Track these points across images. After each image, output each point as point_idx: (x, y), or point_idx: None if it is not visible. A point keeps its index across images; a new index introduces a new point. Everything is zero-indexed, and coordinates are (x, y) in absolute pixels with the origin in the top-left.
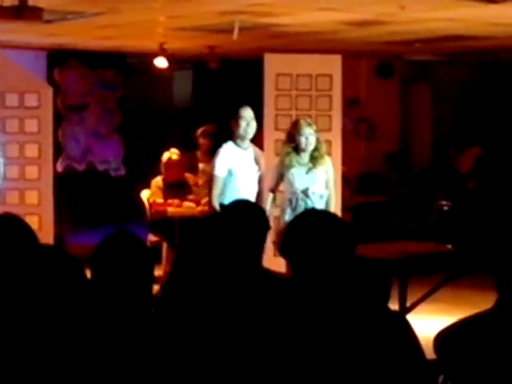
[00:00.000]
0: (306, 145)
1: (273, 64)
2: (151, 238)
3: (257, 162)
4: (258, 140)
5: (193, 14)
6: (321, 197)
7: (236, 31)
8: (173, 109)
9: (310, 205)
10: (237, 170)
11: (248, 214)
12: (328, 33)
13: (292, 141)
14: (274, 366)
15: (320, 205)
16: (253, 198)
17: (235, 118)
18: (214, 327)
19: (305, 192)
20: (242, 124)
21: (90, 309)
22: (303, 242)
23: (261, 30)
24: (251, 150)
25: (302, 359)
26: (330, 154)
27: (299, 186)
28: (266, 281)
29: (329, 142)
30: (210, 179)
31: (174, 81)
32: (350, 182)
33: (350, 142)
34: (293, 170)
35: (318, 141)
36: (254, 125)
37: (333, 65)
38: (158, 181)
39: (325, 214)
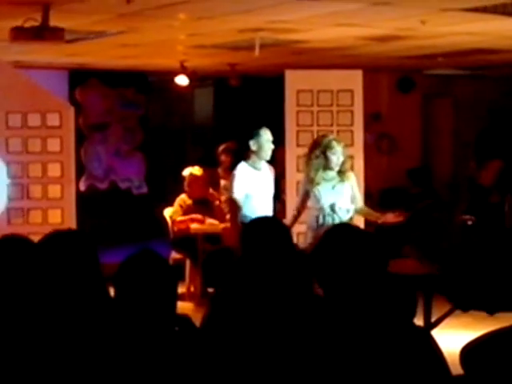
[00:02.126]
0: (337, 164)
1: (294, 80)
2: (174, 255)
3: (270, 181)
4: (279, 156)
5: (213, 32)
6: (347, 211)
7: (257, 48)
8: (194, 126)
9: (337, 220)
10: (253, 192)
11: (271, 232)
12: (348, 48)
13: (322, 158)
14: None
15: (347, 220)
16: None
17: (254, 139)
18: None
19: (332, 207)
20: (264, 146)
21: (114, 328)
22: (333, 258)
23: (281, 47)
24: (265, 169)
25: (330, 374)
26: (352, 169)
27: (326, 201)
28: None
29: (351, 157)
30: (230, 203)
31: (195, 98)
32: (373, 197)
33: (372, 156)
34: (319, 187)
35: (345, 158)
36: (271, 146)
37: (354, 80)
38: (182, 198)
39: (352, 230)
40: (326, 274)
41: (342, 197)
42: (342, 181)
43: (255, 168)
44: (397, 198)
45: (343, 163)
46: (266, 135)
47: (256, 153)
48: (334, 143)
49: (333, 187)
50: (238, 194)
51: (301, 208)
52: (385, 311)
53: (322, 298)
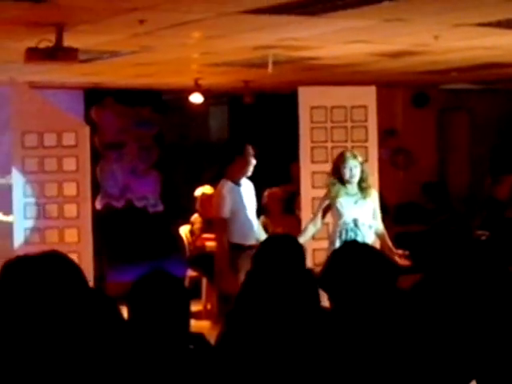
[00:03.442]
0: (350, 176)
1: (307, 97)
2: (190, 273)
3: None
4: (294, 172)
5: (227, 50)
6: (370, 227)
7: (270, 65)
8: (209, 144)
9: (359, 235)
10: (239, 209)
11: (286, 248)
12: (362, 64)
13: (337, 172)
14: None
15: (369, 235)
16: (255, 230)
17: (243, 156)
18: (263, 366)
19: (355, 223)
20: (251, 162)
21: (128, 347)
22: (343, 275)
23: (294, 64)
24: (246, 183)
25: None
26: None
27: (348, 216)
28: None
29: None
30: (219, 223)
31: (210, 116)
32: (389, 212)
33: (388, 172)
34: (341, 201)
35: (364, 172)
36: (254, 162)
37: (367, 96)
38: (196, 218)
39: (364, 247)
40: (335, 290)
41: (365, 212)
42: (364, 196)
43: (238, 184)
44: (413, 213)
45: (364, 179)
46: (250, 152)
47: (240, 170)
48: (346, 156)
49: (355, 202)
50: (227, 213)
51: (317, 222)
52: (391, 326)
53: (329, 312)
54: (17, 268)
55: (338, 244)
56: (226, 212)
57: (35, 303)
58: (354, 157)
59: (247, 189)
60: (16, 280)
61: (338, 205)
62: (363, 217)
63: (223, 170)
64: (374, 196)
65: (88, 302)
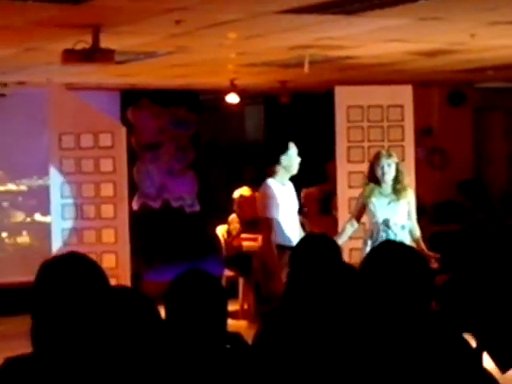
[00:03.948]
0: (383, 175)
1: (344, 96)
2: (227, 273)
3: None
4: (330, 172)
5: (263, 50)
6: (403, 227)
7: (306, 65)
8: (245, 144)
9: (391, 236)
10: (282, 208)
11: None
12: (398, 63)
13: (372, 172)
14: None
15: (402, 235)
16: (297, 231)
17: (286, 154)
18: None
19: (386, 223)
20: (294, 161)
21: (166, 347)
22: (380, 274)
23: (331, 63)
24: (289, 184)
25: None
26: None
27: (380, 216)
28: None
29: None
30: (266, 223)
31: (246, 116)
32: (426, 211)
33: (424, 171)
34: (374, 201)
35: (399, 172)
36: (298, 161)
37: (404, 95)
38: (234, 218)
39: (401, 247)
40: (371, 291)
41: (398, 213)
42: (398, 197)
43: (282, 184)
44: (450, 212)
45: (400, 179)
46: (295, 150)
47: (286, 168)
48: (381, 155)
49: (388, 203)
50: (274, 213)
51: (354, 222)
52: (433, 328)
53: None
54: (54, 268)
55: (369, 244)
56: (272, 212)
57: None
58: (389, 156)
59: (289, 189)
60: (52, 280)
61: (371, 205)
62: (396, 217)
63: (262, 170)
64: (410, 197)
65: (126, 302)
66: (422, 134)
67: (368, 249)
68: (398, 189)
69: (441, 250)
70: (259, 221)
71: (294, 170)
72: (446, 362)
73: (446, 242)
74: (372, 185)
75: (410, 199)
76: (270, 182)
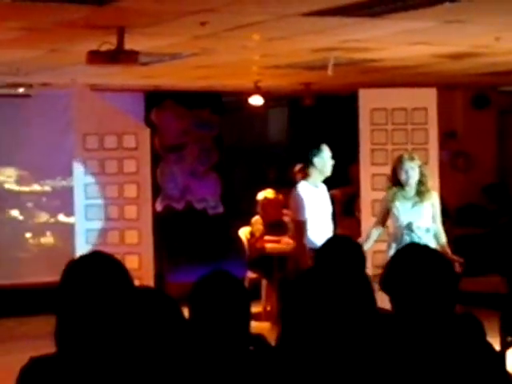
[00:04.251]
0: (407, 179)
1: (368, 99)
2: (250, 275)
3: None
4: (353, 174)
5: (287, 52)
6: (427, 231)
7: (330, 67)
8: (268, 146)
9: (415, 239)
10: (314, 210)
11: (346, 251)
12: (422, 66)
13: (395, 175)
14: None
15: (426, 239)
16: (330, 233)
17: (318, 156)
18: (322, 367)
19: (409, 226)
20: (327, 163)
21: (189, 348)
22: (404, 277)
23: (355, 66)
24: (322, 186)
25: None
26: None
27: (404, 220)
28: (374, 317)
29: None
30: (298, 225)
31: (270, 118)
32: (450, 215)
33: (448, 174)
34: (397, 205)
35: (423, 175)
36: (331, 163)
37: (428, 98)
38: (257, 219)
39: (426, 249)
40: (397, 293)
41: (421, 216)
42: (422, 200)
43: (316, 186)
44: (474, 215)
45: (423, 182)
46: (328, 152)
47: (320, 170)
48: (404, 158)
49: (412, 206)
50: (306, 215)
51: (380, 226)
52: (457, 331)
53: (389, 315)
54: (79, 268)
55: (393, 247)
56: (304, 214)
57: (95, 304)
58: (412, 159)
59: (322, 191)
60: (77, 279)
61: (394, 209)
62: (420, 220)
63: (285, 172)
64: (434, 199)
65: (150, 302)
66: (446, 137)
67: (392, 252)
68: (421, 191)
69: (464, 254)
70: (293, 223)
71: (327, 172)
72: (469, 365)
73: (470, 245)
74: (395, 188)
75: (434, 202)
76: (303, 184)
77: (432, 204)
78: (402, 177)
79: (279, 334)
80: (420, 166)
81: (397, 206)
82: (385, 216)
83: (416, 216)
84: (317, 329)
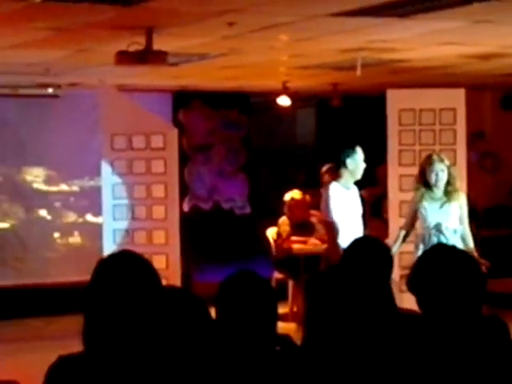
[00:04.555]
0: (436, 181)
1: (395, 99)
2: (277, 275)
3: (359, 200)
4: (381, 175)
5: (315, 52)
6: (454, 232)
7: (359, 68)
8: (296, 147)
9: (443, 240)
10: (345, 212)
11: (374, 252)
12: (451, 67)
13: (423, 176)
14: None
15: (454, 240)
16: (361, 235)
17: (351, 157)
18: (347, 367)
19: (437, 227)
20: (359, 165)
21: (216, 348)
22: (432, 278)
23: (383, 66)
24: (354, 188)
25: None
26: None
27: (432, 221)
28: (397, 319)
29: None
30: (329, 226)
31: (298, 119)
32: (478, 216)
33: (476, 175)
34: (426, 206)
35: (451, 175)
36: (363, 166)
37: (456, 98)
38: (284, 220)
39: (453, 250)
40: (424, 294)
41: (449, 217)
42: (450, 200)
43: (347, 188)
44: (502, 216)
45: (451, 183)
46: (361, 154)
47: (351, 172)
48: (433, 159)
49: (440, 207)
50: (336, 216)
51: (409, 228)
52: (481, 332)
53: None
54: (108, 267)
55: (421, 248)
56: (333, 215)
57: (123, 303)
58: (441, 160)
59: (354, 193)
60: (106, 278)
61: (422, 209)
62: (447, 221)
63: (313, 173)
64: (461, 200)
65: (178, 302)
66: (474, 137)
67: (419, 253)
68: (450, 192)
69: (492, 255)
70: (324, 224)
71: (359, 174)
72: (494, 366)
73: (497, 246)
74: (423, 189)
75: (462, 203)
76: (334, 185)
77: (460, 205)
78: (432, 178)
79: (304, 333)
80: (448, 167)
81: (425, 207)
82: (413, 217)
83: (444, 217)
84: (340, 328)
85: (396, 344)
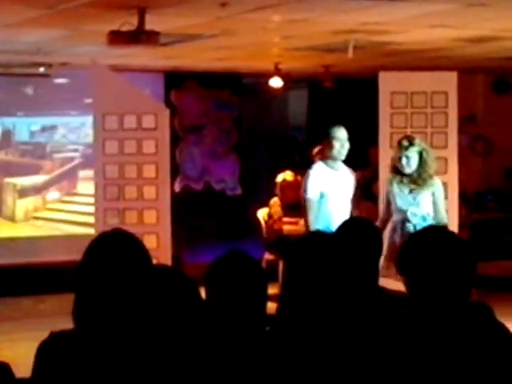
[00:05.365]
0: (402, 166)
1: (387, 82)
2: (267, 256)
3: (349, 182)
4: (372, 157)
5: (307, 34)
6: (423, 218)
7: (350, 50)
8: (288, 128)
9: (410, 227)
10: (329, 192)
11: (364, 233)
12: (443, 50)
13: (394, 161)
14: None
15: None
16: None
17: (328, 138)
18: (330, 345)
19: (405, 214)
20: (336, 145)
21: (206, 328)
22: (421, 259)
23: (375, 49)
24: (344, 170)
25: (417, 379)
26: (446, 172)
27: (400, 206)
28: (383, 299)
29: (445, 160)
30: (304, 203)
31: (289, 100)
32: (468, 199)
33: (467, 158)
34: (394, 191)
35: (423, 161)
36: (347, 146)
37: (448, 82)
38: (275, 201)
39: (444, 232)
40: (412, 275)
41: (418, 203)
42: (422, 187)
43: (332, 168)
44: (493, 200)
45: (423, 168)
46: (344, 133)
47: (332, 153)
48: (401, 144)
49: (409, 192)
50: (312, 194)
51: (385, 214)
52: (475, 315)
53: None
54: (99, 245)
55: (392, 235)
56: (310, 192)
57: (114, 281)
58: (411, 144)
59: (343, 175)
60: (98, 256)
61: (391, 195)
62: (416, 208)
63: (304, 154)
64: (436, 186)
65: (168, 281)
66: (466, 121)
67: (391, 239)
68: (422, 178)
69: (482, 238)
70: (300, 202)
71: (341, 155)
72: (484, 349)
73: (488, 229)
74: (393, 174)
75: (435, 190)
76: (319, 164)
77: (432, 192)
78: (398, 163)
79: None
80: (421, 152)
81: (393, 192)
82: (387, 204)
83: (412, 203)
84: (317, 300)
85: (376, 322)
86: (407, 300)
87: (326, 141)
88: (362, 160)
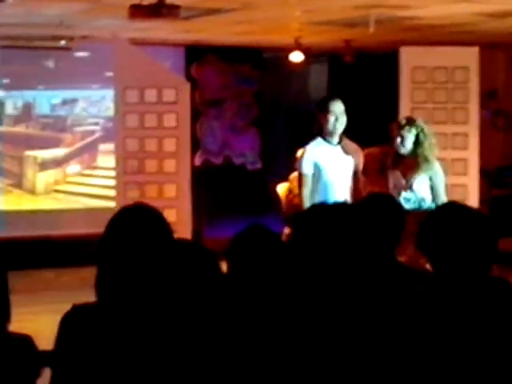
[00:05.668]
0: (397, 145)
1: (409, 57)
2: (287, 230)
3: (349, 157)
4: (393, 132)
5: (328, 8)
6: (418, 203)
7: (372, 24)
8: (308, 102)
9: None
10: (326, 167)
11: (386, 207)
12: (465, 25)
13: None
14: (406, 358)
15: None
16: (346, 195)
17: (323, 112)
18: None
19: (398, 196)
20: (331, 119)
21: (226, 302)
22: (442, 236)
23: (396, 23)
24: (345, 146)
25: (434, 355)
26: (466, 147)
27: (392, 188)
28: (403, 274)
29: (465, 135)
30: (299, 178)
31: (310, 75)
32: (489, 175)
33: (488, 134)
34: (388, 172)
35: (419, 143)
36: (343, 120)
37: (470, 57)
38: (295, 176)
39: (465, 208)
40: (433, 252)
41: (411, 186)
42: (416, 170)
43: (329, 143)
44: None
45: (419, 152)
46: (338, 107)
47: (327, 127)
48: (400, 121)
49: (403, 175)
50: (307, 169)
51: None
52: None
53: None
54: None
55: None
56: (304, 167)
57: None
58: (407, 124)
59: (340, 150)
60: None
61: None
62: (410, 192)
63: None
64: (434, 171)
65: (188, 254)
66: (487, 96)
67: None
68: (417, 161)
69: (502, 214)
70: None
71: (336, 129)
72: (505, 324)
73: (509, 205)
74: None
75: (433, 174)
76: (316, 140)
77: (430, 176)
78: (393, 143)
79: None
80: (418, 134)
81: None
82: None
83: (405, 186)
84: (330, 270)
85: (395, 297)
86: (427, 276)
87: (322, 115)
88: (383, 135)
